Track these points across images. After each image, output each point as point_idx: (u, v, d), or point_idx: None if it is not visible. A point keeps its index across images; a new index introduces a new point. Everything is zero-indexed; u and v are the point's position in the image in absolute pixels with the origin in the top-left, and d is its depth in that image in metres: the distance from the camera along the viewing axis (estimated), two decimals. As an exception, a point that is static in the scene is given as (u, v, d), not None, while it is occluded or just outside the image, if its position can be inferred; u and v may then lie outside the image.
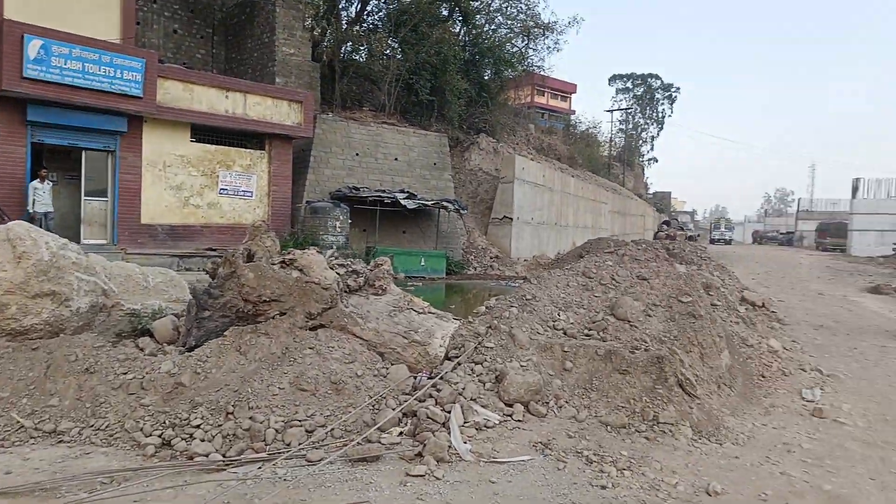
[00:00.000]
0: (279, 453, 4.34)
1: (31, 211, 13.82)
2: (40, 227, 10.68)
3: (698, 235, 53.90)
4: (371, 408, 5.05)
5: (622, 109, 67.44)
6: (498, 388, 5.29)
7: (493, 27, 30.61)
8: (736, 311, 8.54)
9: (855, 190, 38.05)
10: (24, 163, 14.35)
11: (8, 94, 13.67)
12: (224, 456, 4.38)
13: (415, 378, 5.53)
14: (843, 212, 46.32)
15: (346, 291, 6.59)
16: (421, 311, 6.78)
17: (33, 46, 13.61)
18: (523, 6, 30.71)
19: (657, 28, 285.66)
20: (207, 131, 17.41)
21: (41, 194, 14.16)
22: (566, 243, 29.43)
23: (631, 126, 69.06)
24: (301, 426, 4.72)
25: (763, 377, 6.85)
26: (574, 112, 56.67)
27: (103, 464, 4.24)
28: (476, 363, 5.57)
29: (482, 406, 5.06)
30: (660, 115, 70.50)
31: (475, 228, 25.33)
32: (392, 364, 5.84)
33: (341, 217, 18.73)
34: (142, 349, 5.85)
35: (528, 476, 4.09)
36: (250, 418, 4.71)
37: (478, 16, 29.17)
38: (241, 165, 18.26)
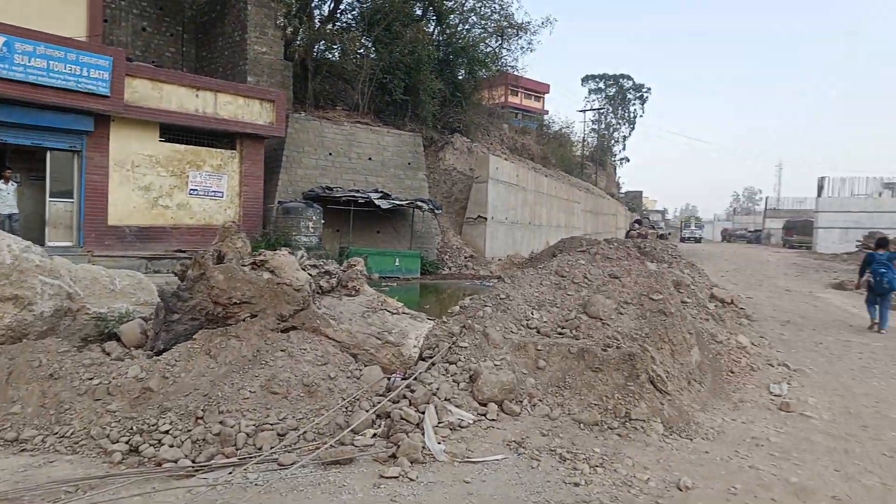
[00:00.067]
0: (250, 458, 4.29)
1: (-6, 213, 13.47)
2: (4, 229, 10.42)
3: (669, 234, 54.72)
4: (344, 410, 5.01)
5: (594, 109, 68.13)
6: (472, 387, 5.30)
7: (466, 27, 30.65)
8: (706, 308, 8.68)
9: (820, 188, 38.88)
10: (-13, 163, 13.96)
11: (-32, 92, 13.28)
12: (194, 462, 4.31)
13: (388, 379, 5.51)
14: (809, 210, 47.34)
15: (318, 293, 6.53)
16: (395, 311, 6.75)
17: (-5, 44, 13.24)
18: (497, 6, 30.82)
19: (628, 29, 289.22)
20: (177, 131, 17.11)
21: (5, 195, 13.80)
22: (540, 242, 29.62)
23: (603, 126, 69.75)
24: (273, 430, 4.67)
25: (732, 373, 6.97)
26: (547, 112, 57.15)
27: (68, 472, 4.13)
28: (450, 363, 5.57)
29: (456, 406, 5.06)
30: (631, 115, 71.39)
31: (450, 228, 25.33)
32: (365, 365, 5.80)
33: (314, 217, 18.57)
34: (108, 354, 5.73)
35: (502, 475, 4.11)
36: (221, 423, 4.64)
37: (451, 15, 29.15)
38: (211, 165, 17.99)
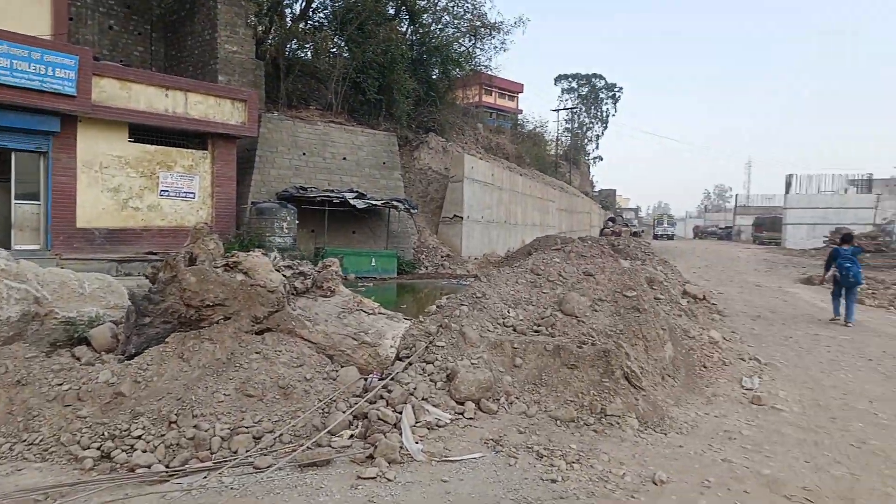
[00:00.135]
0: (225, 461, 4.23)
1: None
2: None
3: (642, 231, 55.27)
4: (321, 411, 4.98)
5: (568, 109, 68.76)
6: (449, 386, 5.30)
7: (440, 26, 30.69)
8: (678, 304, 8.80)
9: (788, 185, 39.68)
10: (-53, 165, 13.57)
11: (-73, 92, 12.88)
12: (167, 466, 4.24)
13: (365, 380, 5.48)
14: (778, 206, 48.30)
15: (293, 294, 6.48)
16: (371, 311, 6.73)
17: (-46, 42, 12.87)
18: (470, 6, 30.94)
19: (601, 29, 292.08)
20: (147, 131, 16.81)
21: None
22: (515, 241, 29.77)
23: (576, 125, 70.45)
24: (248, 433, 4.62)
25: (705, 367, 7.09)
26: (521, 111, 57.44)
27: (37, 480, 4.04)
28: (427, 362, 5.56)
29: (434, 405, 5.06)
30: (604, 114, 72.24)
31: (426, 228, 25.32)
32: (342, 366, 5.77)
33: (288, 218, 18.41)
34: (78, 358, 5.60)
35: (480, 473, 4.12)
36: (195, 427, 4.58)
37: (424, 15, 29.15)
38: (182, 166, 17.71)
